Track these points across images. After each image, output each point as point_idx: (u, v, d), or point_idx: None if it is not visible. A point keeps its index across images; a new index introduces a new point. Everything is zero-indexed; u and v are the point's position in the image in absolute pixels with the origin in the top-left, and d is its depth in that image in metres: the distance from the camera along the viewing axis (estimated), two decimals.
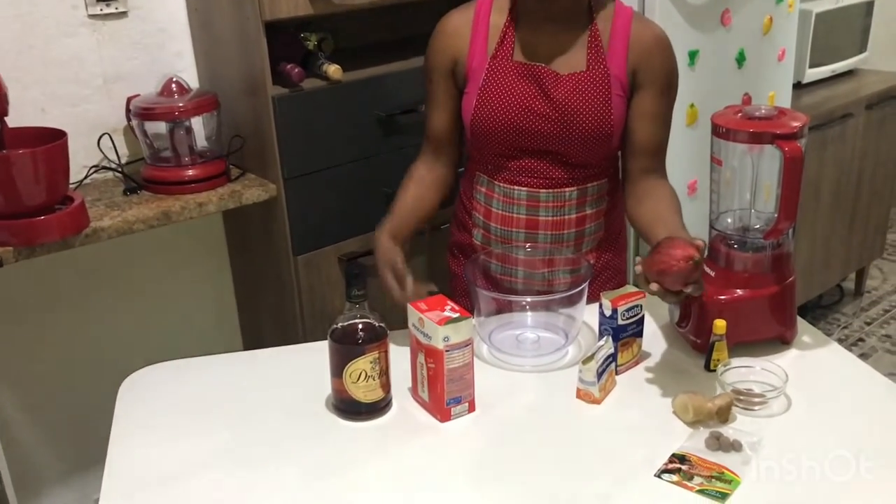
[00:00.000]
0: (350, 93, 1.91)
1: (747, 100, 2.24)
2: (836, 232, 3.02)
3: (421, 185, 1.64)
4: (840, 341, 3.08)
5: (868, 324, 3.21)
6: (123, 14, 1.91)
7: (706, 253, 1.33)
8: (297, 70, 1.82)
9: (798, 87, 2.85)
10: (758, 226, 1.49)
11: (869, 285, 3.45)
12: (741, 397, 1.31)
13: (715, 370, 1.37)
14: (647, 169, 1.57)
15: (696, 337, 1.46)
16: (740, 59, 2.18)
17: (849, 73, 3.12)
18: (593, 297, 1.48)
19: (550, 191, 1.57)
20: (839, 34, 3.01)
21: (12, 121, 1.64)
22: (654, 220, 1.48)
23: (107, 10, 1.88)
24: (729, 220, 1.50)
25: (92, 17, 1.88)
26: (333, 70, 1.85)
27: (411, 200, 1.63)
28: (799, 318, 1.51)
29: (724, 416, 1.27)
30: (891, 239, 3.70)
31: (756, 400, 1.31)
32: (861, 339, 3.11)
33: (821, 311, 3.28)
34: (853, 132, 2.91)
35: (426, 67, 1.60)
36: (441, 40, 1.57)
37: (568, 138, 1.52)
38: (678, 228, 1.42)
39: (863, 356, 2.99)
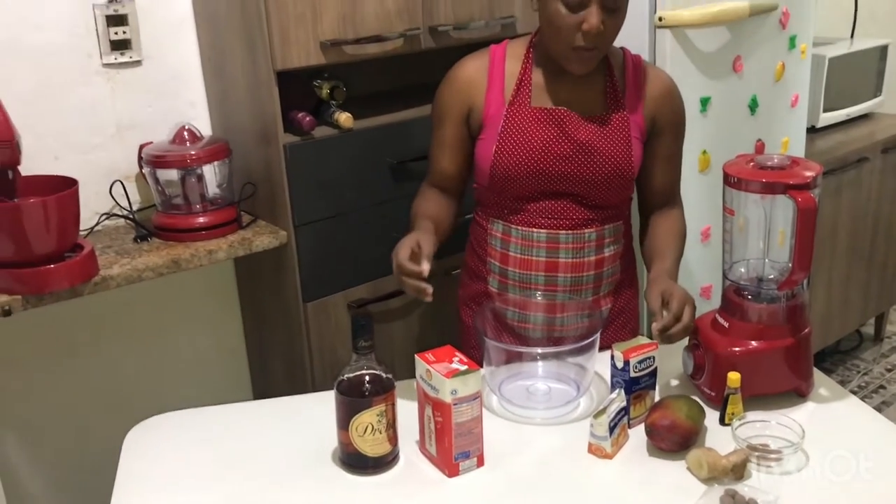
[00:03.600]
0: (361, 140, 1.92)
1: (760, 146, 2.23)
2: (853, 277, 2.98)
3: (437, 206, 1.63)
4: (860, 388, 3.03)
5: (889, 370, 3.15)
6: (138, 63, 1.93)
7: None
8: (308, 119, 1.83)
9: (812, 131, 2.84)
10: (772, 276, 1.47)
11: (889, 330, 3.39)
12: (757, 453, 1.28)
13: (730, 424, 1.34)
14: (662, 204, 1.65)
15: (710, 389, 1.43)
16: (753, 106, 2.17)
17: (864, 117, 3.10)
18: (608, 343, 1.46)
19: (570, 232, 1.57)
20: (853, 78, 3.01)
21: (25, 168, 1.65)
22: (653, 256, 1.59)
23: (121, 59, 1.91)
24: (742, 270, 1.48)
25: (107, 65, 1.90)
26: (345, 118, 1.86)
27: (432, 220, 1.58)
28: (816, 370, 1.49)
29: (739, 472, 1.24)
30: None
31: (772, 456, 1.28)
32: (882, 387, 3.05)
33: (839, 356, 3.23)
34: (868, 176, 2.89)
35: (438, 113, 1.62)
36: (456, 87, 1.59)
37: (591, 179, 1.54)
38: (670, 270, 1.53)
39: (884, 404, 2.93)
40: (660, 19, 1.94)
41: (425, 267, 1.40)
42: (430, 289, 1.39)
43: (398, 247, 1.44)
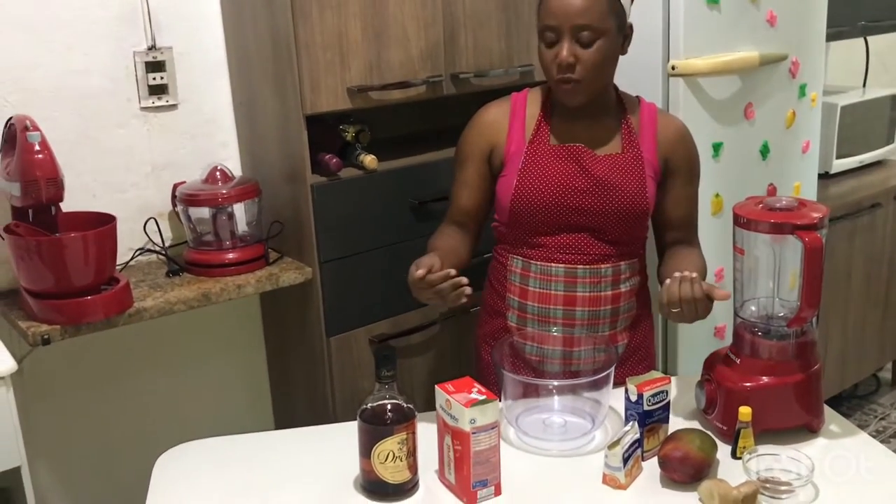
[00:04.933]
0: (385, 181, 1.99)
1: (772, 190, 2.28)
2: (868, 321, 3.00)
3: (452, 240, 1.69)
4: (878, 433, 3.02)
5: None
6: (174, 107, 2.03)
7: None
8: (335, 160, 1.91)
9: (826, 177, 2.89)
10: (781, 314, 1.51)
11: None
12: (767, 485, 1.31)
13: (741, 458, 1.37)
14: (679, 240, 1.71)
15: (722, 424, 1.47)
16: (764, 152, 2.23)
17: (877, 164, 3.15)
18: (623, 380, 1.50)
19: (588, 267, 1.64)
20: (866, 126, 3.06)
21: (65, 205, 1.74)
22: (669, 271, 1.58)
23: (158, 103, 2.00)
24: (753, 309, 1.53)
25: (144, 109, 2.00)
26: (370, 160, 1.94)
27: (441, 251, 1.63)
28: (827, 408, 1.52)
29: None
30: None
31: (782, 489, 1.31)
32: None
33: (857, 401, 3.23)
34: (882, 221, 2.93)
35: (461, 154, 1.71)
36: (479, 129, 1.69)
37: (607, 212, 1.61)
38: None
39: None
40: (672, 68, 2.02)
41: (441, 268, 1.45)
42: (464, 279, 1.45)
43: (410, 273, 1.49)
